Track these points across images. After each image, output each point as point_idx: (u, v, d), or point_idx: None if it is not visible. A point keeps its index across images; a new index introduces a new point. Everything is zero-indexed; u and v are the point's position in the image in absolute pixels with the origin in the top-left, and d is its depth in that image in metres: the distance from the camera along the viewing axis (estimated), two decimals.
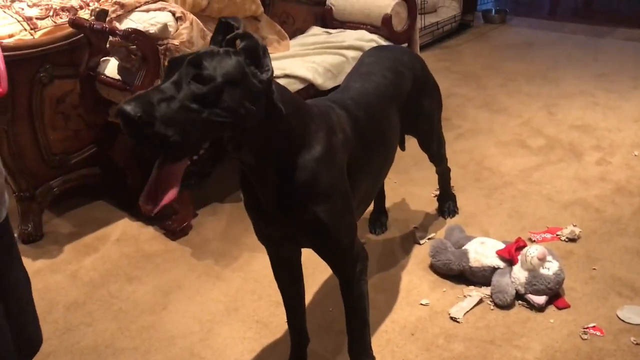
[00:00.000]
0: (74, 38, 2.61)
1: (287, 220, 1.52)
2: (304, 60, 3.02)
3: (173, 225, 2.64)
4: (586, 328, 2.01)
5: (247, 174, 1.49)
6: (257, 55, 1.31)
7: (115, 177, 2.94)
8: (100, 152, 2.87)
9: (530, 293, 2.11)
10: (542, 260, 2.10)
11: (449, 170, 2.67)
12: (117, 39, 2.43)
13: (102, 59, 2.67)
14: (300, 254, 1.79)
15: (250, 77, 1.29)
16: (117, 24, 2.48)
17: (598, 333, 1.99)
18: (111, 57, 2.61)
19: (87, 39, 2.60)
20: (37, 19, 2.67)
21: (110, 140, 2.84)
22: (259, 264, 2.45)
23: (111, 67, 2.62)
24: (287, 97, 1.44)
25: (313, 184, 1.47)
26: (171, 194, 1.26)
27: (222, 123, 1.25)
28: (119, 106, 1.18)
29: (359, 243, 1.69)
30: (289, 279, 1.81)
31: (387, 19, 3.31)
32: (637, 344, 1.94)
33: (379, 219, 2.65)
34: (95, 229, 2.77)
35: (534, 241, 2.44)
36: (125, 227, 2.77)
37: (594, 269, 2.29)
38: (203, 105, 1.22)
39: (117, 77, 2.57)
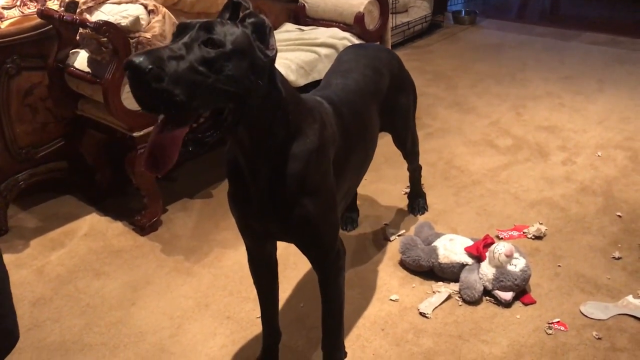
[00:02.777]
0: (43, 29, 2.56)
1: (274, 213, 1.51)
2: (277, 56, 3.01)
3: (142, 220, 2.61)
4: (551, 323, 2.06)
5: (238, 162, 1.48)
6: (264, 33, 1.33)
7: (83, 172, 2.89)
8: (69, 146, 2.82)
9: (498, 289, 2.15)
10: (509, 257, 2.15)
11: (420, 168, 2.70)
12: (87, 31, 2.40)
13: (71, 51, 2.62)
14: (276, 248, 1.79)
15: (256, 51, 1.32)
16: (87, 16, 2.44)
17: (562, 328, 2.04)
18: (81, 49, 2.57)
19: (56, 30, 2.55)
20: (3, 8, 2.62)
21: (78, 134, 2.80)
22: (229, 259, 2.45)
23: (81, 60, 2.58)
24: (286, 83, 1.45)
25: (305, 175, 1.47)
26: (174, 157, 1.25)
27: (226, 91, 1.26)
28: (128, 58, 1.16)
29: (340, 240, 1.71)
30: (265, 273, 1.81)
31: (359, 17, 3.33)
32: (599, 338, 1.99)
33: (350, 216, 2.67)
34: (62, 224, 2.72)
35: (502, 238, 2.49)
36: (93, 222, 2.73)
37: (559, 265, 2.34)
38: (210, 70, 1.22)
39: (87, 69, 2.53)
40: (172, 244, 2.57)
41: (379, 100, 2.02)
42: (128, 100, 2.42)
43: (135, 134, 2.50)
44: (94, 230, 2.68)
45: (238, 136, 1.39)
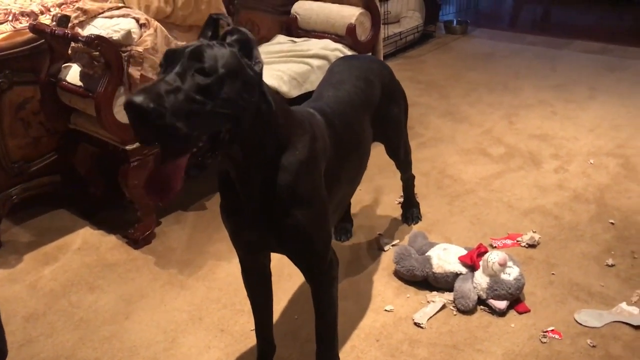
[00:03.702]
0: (35, 44, 2.56)
1: (266, 224, 1.52)
2: (269, 68, 3.03)
3: (136, 234, 2.61)
4: (545, 332, 2.06)
5: (229, 175, 1.49)
6: (250, 48, 1.34)
7: (76, 185, 2.89)
8: (61, 160, 2.82)
9: (492, 298, 2.15)
10: (503, 265, 2.15)
11: (413, 178, 2.71)
12: (79, 45, 2.40)
13: (63, 65, 2.63)
14: (270, 260, 1.79)
15: (246, 69, 1.33)
16: (79, 30, 2.45)
17: (557, 336, 2.04)
18: (73, 63, 2.58)
19: (48, 44, 2.56)
20: None
21: (71, 147, 2.80)
22: (223, 272, 2.44)
23: (73, 74, 2.58)
24: (275, 95, 1.46)
25: (295, 186, 1.48)
26: (178, 186, 1.28)
27: (224, 115, 1.28)
28: (127, 98, 1.17)
29: (332, 251, 1.71)
30: (259, 285, 1.81)
31: (351, 29, 3.35)
32: (593, 346, 1.99)
33: (344, 226, 2.67)
34: (55, 238, 2.71)
35: (495, 247, 2.49)
36: (86, 236, 2.72)
37: (553, 274, 2.35)
38: (206, 97, 1.24)
39: (79, 83, 2.54)
40: (166, 257, 2.56)
41: (371, 111, 2.03)
42: (120, 113, 2.43)
43: (127, 147, 2.49)
44: (87, 244, 2.67)
45: (231, 151, 1.39)
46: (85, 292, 2.38)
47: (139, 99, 1.15)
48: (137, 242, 2.61)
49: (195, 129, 1.23)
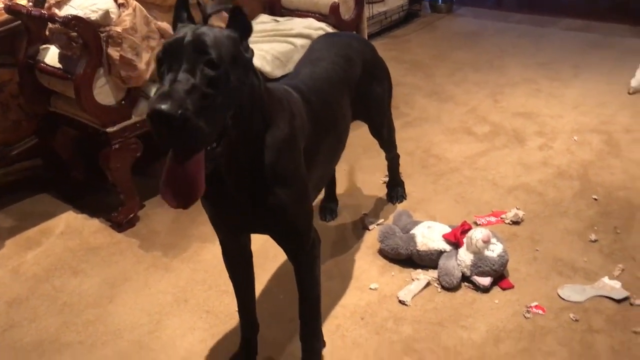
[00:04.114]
0: (11, 25, 2.52)
1: (248, 203, 1.51)
2: (252, 48, 2.99)
3: (119, 217, 2.59)
4: (529, 307, 2.07)
5: None
6: (248, 32, 1.36)
7: (58, 169, 2.86)
8: (42, 144, 2.79)
9: (476, 275, 2.16)
10: (487, 242, 2.15)
11: (398, 157, 2.70)
12: (57, 26, 2.36)
13: (41, 47, 2.58)
14: (250, 241, 1.78)
15: (243, 52, 1.33)
16: (56, 11, 2.40)
17: (540, 312, 2.05)
18: (51, 44, 2.53)
19: (25, 26, 2.52)
20: None
21: (51, 131, 2.76)
22: (208, 254, 2.43)
23: (51, 55, 2.54)
24: (258, 72, 1.45)
25: (277, 165, 1.48)
26: (203, 185, 1.27)
27: (234, 103, 1.28)
28: (151, 107, 1.14)
29: (314, 229, 1.70)
30: (240, 266, 1.80)
31: (334, 7, 3.31)
32: (576, 320, 2.01)
33: (330, 206, 2.66)
34: (38, 223, 2.69)
35: (479, 225, 2.50)
36: (69, 220, 2.70)
37: (537, 250, 2.36)
38: (218, 90, 1.23)
39: (58, 65, 2.49)
40: (150, 240, 2.54)
41: (350, 89, 2.01)
42: (100, 95, 2.39)
43: (108, 130, 2.46)
44: (70, 228, 2.65)
45: (231, 136, 1.37)
46: (68, 276, 2.37)
47: (165, 106, 1.13)
48: (120, 225, 2.59)
49: (213, 124, 1.22)
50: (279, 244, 1.66)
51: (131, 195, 2.60)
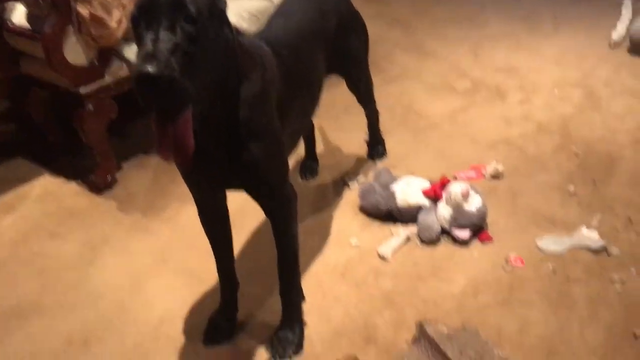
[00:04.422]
0: None
1: (222, 160, 1.49)
2: (229, 4, 2.92)
3: (96, 179, 2.55)
4: (508, 259, 2.09)
5: None
6: None
7: (32, 133, 2.81)
8: (15, 108, 2.72)
9: (455, 229, 2.16)
10: (466, 196, 2.16)
11: (377, 113, 2.67)
12: None
13: (8, 6, 2.49)
14: (226, 199, 1.77)
15: (217, 3, 1.30)
16: None
17: (519, 263, 2.07)
18: (18, 2, 2.45)
19: None
20: None
21: (23, 94, 2.70)
22: (188, 214, 2.41)
23: (19, 15, 2.46)
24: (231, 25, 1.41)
25: (251, 119, 1.45)
26: (192, 142, 1.26)
27: (214, 57, 1.26)
28: (137, 71, 1.11)
29: (290, 183, 1.69)
30: (217, 224, 1.79)
31: None
32: (554, 270, 2.03)
33: (310, 165, 2.65)
34: (13, 187, 2.64)
35: (459, 180, 2.49)
36: (46, 184, 2.66)
37: (516, 203, 2.37)
38: (198, 45, 1.20)
39: (26, 25, 2.42)
40: (129, 202, 2.52)
41: (325, 42, 1.97)
42: (71, 54, 2.33)
43: (81, 91, 2.41)
44: (47, 192, 2.61)
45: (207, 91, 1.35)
46: (46, 240, 2.34)
47: (152, 68, 1.10)
48: (98, 187, 2.56)
49: (197, 82, 1.20)
50: (254, 199, 1.65)
51: (107, 157, 2.56)
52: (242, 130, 1.46)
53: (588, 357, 1.71)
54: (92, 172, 2.57)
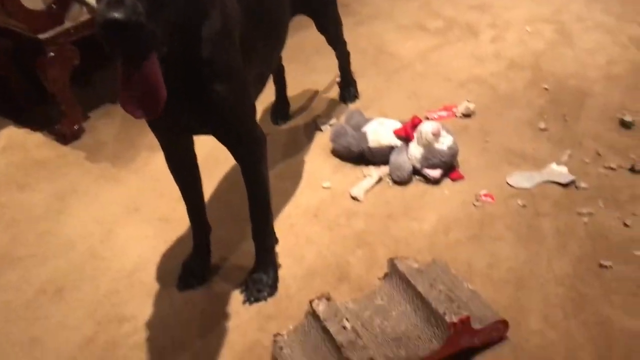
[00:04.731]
0: None
1: (186, 102, 1.45)
2: None
3: (63, 128, 2.50)
4: (478, 196, 2.11)
5: None
6: None
7: None
8: None
9: (426, 168, 2.17)
10: (436, 135, 2.15)
11: (348, 54, 2.63)
12: None
13: None
14: (193, 143, 1.74)
15: None
16: None
17: (489, 200, 2.09)
18: None
19: None
20: None
21: None
22: (157, 163, 2.38)
23: None
24: None
25: (213, 58, 1.41)
26: (164, 90, 1.22)
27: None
28: (103, 17, 1.05)
29: (258, 125, 1.66)
30: (185, 170, 1.76)
31: None
32: (523, 206, 2.05)
33: (282, 109, 2.61)
34: None
35: (431, 119, 2.49)
36: (10, 135, 2.60)
37: (487, 141, 2.37)
38: None
39: None
40: (97, 151, 2.48)
41: None
42: None
43: (41, 36, 2.32)
44: (12, 143, 2.55)
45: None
46: (14, 191, 2.30)
47: (119, 14, 1.04)
48: (65, 137, 2.51)
49: (162, 24, 1.15)
50: (222, 142, 1.62)
51: (73, 106, 2.50)
52: (205, 70, 1.41)
53: (556, 287, 1.75)
54: (58, 122, 2.51)
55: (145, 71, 1.18)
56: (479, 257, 1.87)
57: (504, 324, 1.58)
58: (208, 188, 2.16)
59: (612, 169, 2.17)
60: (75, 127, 2.52)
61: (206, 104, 1.46)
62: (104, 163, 2.41)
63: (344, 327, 1.47)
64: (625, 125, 2.37)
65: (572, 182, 2.12)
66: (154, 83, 1.20)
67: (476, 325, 1.50)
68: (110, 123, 2.64)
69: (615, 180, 2.12)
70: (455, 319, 1.45)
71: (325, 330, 1.49)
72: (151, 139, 2.50)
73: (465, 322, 1.46)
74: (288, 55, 2.48)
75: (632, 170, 2.14)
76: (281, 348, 1.53)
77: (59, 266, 1.97)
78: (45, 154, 2.48)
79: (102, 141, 2.53)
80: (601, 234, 1.92)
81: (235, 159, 1.67)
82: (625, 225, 1.93)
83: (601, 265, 1.80)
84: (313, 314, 1.55)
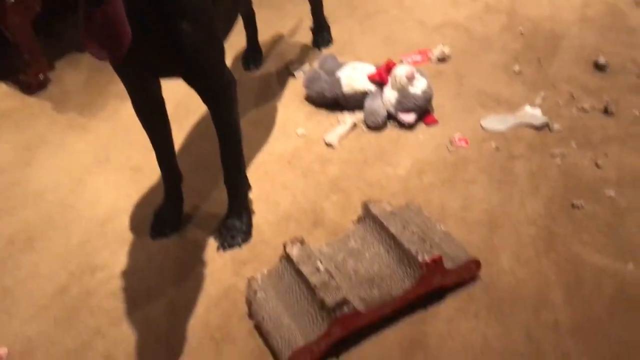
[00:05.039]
0: None
1: (153, 43, 1.40)
2: None
3: (27, 79, 2.42)
4: (452, 140, 2.10)
5: None
6: None
7: None
8: None
9: (400, 112, 2.14)
10: (410, 79, 2.12)
11: None
12: None
13: None
14: (160, 88, 1.69)
15: None
16: None
17: (463, 143, 2.09)
18: None
19: None
20: None
21: None
22: (127, 112, 2.30)
23: None
24: None
25: None
26: (128, 29, 1.16)
27: None
28: None
29: (227, 69, 1.62)
30: (153, 116, 1.72)
31: None
32: (497, 148, 2.05)
33: (253, 55, 2.56)
34: None
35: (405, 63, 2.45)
36: None
37: (462, 85, 2.35)
38: None
39: None
40: (64, 101, 2.41)
41: None
42: None
43: None
44: None
45: None
46: None
47: None
48: (30, 87, 2.43)
49: None
50: (190, 85, 1.57)
51: (36, 55, 2.42)
52: (170, 8, 1.37)
53: (528, 227, 1.76)
54: (22, 72, 2.43)
55: (107, 9, 1.13)
56: (453, 199, 1.88)
57: (477, 263, 1.59)
58: (179, 137, 2.12)
59: (585, 110, 2.17)
60: (41, 76, 2.44)
61: (173, 44, 1.41)
62: (72, 113, 2.35)
63: (318, 269, 1.47)
64: (599, 67, 2.36)
65: (546, 124, 2.11)
66: (117, 22, 1.15)
67: (448, 265, 1.51)
68: (77, 72, 2.56)
69: (588, 121, 2.12)
70: (427, 259, 1.46)
71: (299, 273, 1.49)
72: (120, 87, 2.41)
73: (437, 261, 1.47)
74: (259, 0, 2.41)
75: (605, 111, 2.15)
76: (255, 292, 1.53)
77: (28, 217, 1.93)
78: (10, 104, 2.41)
79: (69, 91, 2.47)
80: (573, 174, 1.93)
81: (205, 102, 1.63)
82: (597, 165, 1.94)
83: (573, 205, 1.82)
84: (287, 258, 1.55)
